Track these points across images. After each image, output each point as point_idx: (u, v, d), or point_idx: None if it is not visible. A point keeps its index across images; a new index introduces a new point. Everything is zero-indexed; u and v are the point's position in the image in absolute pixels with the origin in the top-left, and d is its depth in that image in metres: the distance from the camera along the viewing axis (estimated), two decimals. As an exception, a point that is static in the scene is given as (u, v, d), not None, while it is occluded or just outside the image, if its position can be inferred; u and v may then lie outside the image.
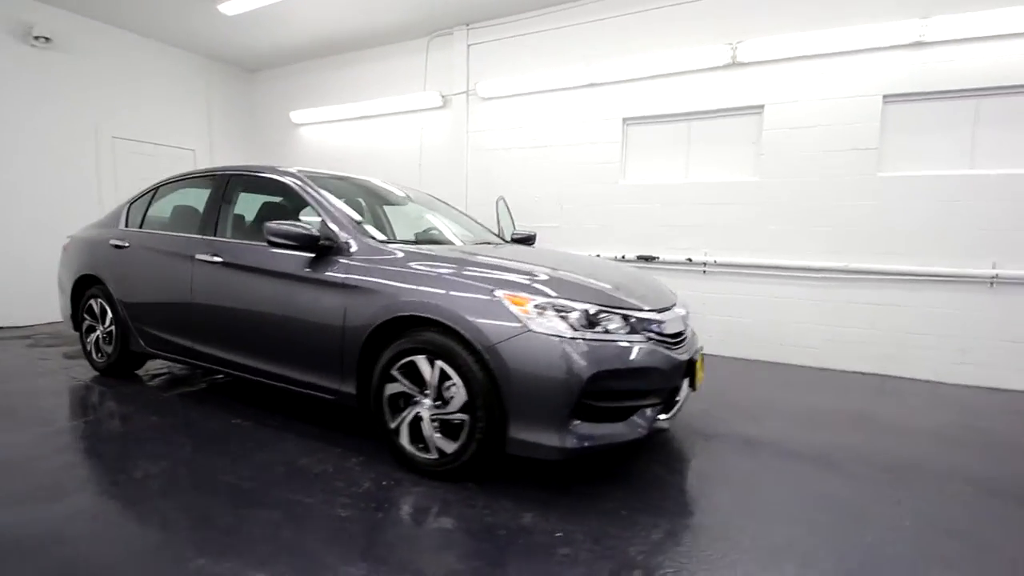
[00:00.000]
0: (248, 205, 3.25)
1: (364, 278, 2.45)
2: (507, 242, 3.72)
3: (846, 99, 4.24)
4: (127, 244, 3.50)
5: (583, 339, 2.07)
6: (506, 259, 2.54)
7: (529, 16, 5.48)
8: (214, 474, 2.30)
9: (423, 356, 2.26)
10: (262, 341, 2.79)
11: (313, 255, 2.64)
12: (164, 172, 6.69)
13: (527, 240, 3.94)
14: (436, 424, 2.28)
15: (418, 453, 2.33)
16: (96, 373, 3.78)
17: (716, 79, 4.68)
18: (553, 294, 2.16)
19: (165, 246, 3.27)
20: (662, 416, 2.29)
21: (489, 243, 3.41)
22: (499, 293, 2.16)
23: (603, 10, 5.08)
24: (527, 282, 2.21)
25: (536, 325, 2.08)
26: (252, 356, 2.86)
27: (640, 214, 5.12)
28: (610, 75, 5.08)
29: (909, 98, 4.09)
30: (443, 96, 6.08)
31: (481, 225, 3.89)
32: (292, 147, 7.47)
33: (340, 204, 2.83)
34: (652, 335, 2.28)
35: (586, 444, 2.07)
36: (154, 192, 3.70)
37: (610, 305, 2.22)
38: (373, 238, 2.66)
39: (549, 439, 2.05)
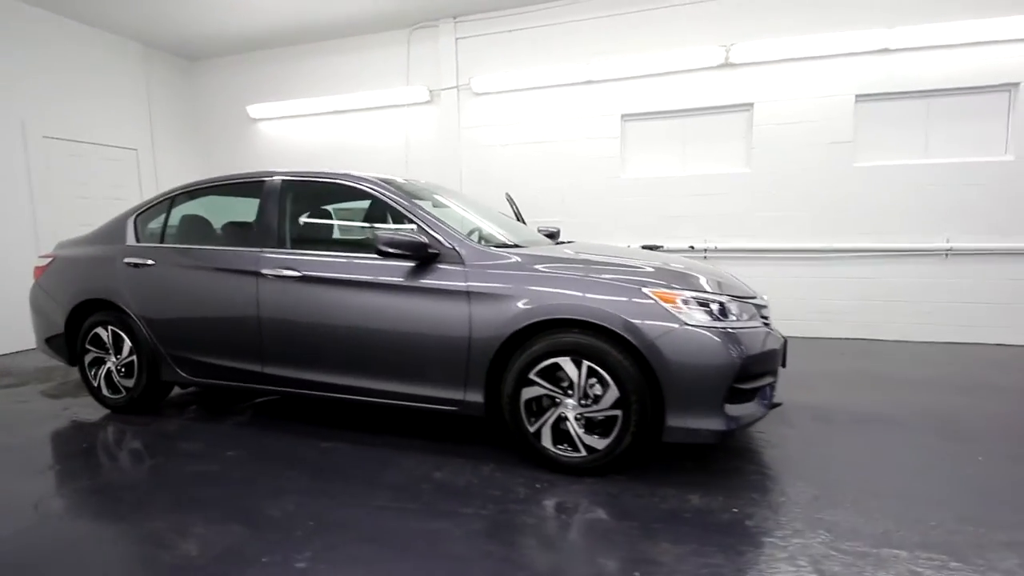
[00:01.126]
0: (315, 214, 3.01)
1: (492, 284, 2.42)
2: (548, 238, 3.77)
3: (825, 98, 4.79)
4: (151, 262, 3.09)
5: (729, 328, 2.24)
6: (618, 257, 2.63)
7: (520, 12, 5.50)
8: (362, 501, 2.18)
9: (567, 358, 2.30)
10: (362, 358, 2.65)
11: (414, 264, 2.56)
12: (104, 175, 5.91)
13: (553, 236, 4.02)
14: (582, 422, 2.34)
15: (562, 453, 2.37)
16: (107, 411, 3.32)
17: (710, 78, 5.04)
18: (694, 288, 2.30)
19: (214, 262, 2.95)
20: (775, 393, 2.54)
21: (554, 241, 3.45)
22: (647, 291, 2.26)
23: (600, 8, 5.24)
24: (668, 279, 2.33)
25: (687, 318, 2.21)
26: (348, 374, 2.69)
27: (641, 206, 5.40)
28: (608, 73, 5.27)
29: (877, 98, 4.71)
30: (431, 91, 5.92)
31: (513, 220, 3.89)
32: (250, 144, 6.86)
33: (436, 210, 2.76)
34: (764, 320, 2.51)
35: (733, 426, 2.25)
36: (170, 202, 3.30)
37: (735, 296, 2.40)
38: (479, 242, 2.63)
39: (707, 424, 2.20)
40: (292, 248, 2.87)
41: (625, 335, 2.20)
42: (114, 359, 3.23)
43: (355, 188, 2.86)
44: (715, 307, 2.27)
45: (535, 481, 2.34)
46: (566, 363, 2.31)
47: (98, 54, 5.84)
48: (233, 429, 3.02)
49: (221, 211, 3.44)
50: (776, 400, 2.52)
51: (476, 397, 2.49)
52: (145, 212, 3.33)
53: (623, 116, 5.36)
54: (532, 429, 2.40)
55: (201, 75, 6.94)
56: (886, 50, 4.58)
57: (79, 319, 3.32)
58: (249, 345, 2.86)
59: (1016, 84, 4.37)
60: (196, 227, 3.24)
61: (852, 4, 4.61)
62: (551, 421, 2.36)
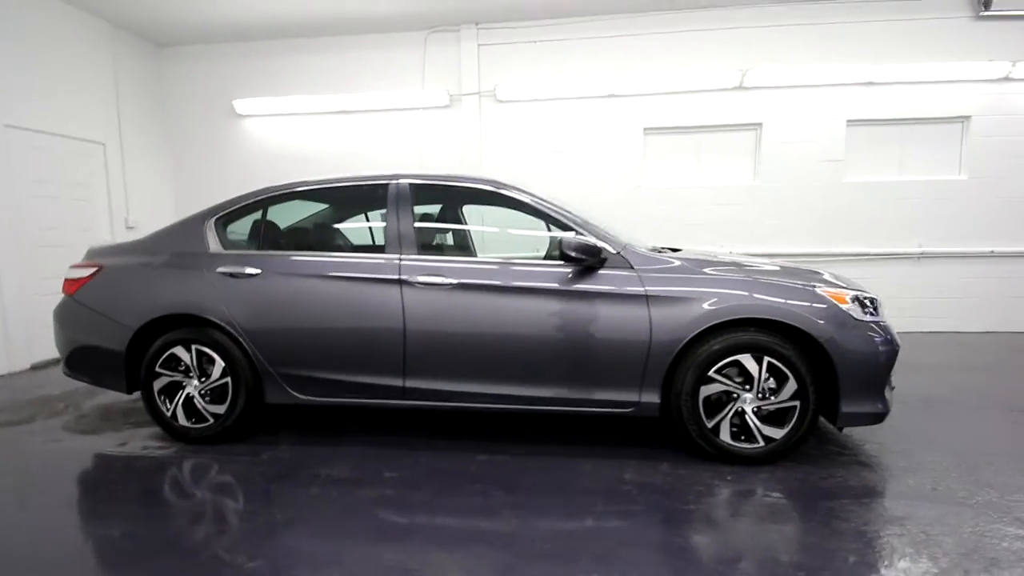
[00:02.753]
0: (448, 218, 2.89)
1: (671, 288, 2.51)
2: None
3: (822, 121, 5.45)
4: (256, 271, 2.77)
5: (881, 322, 2.53)
6: (751, 260, 2.85)
7: (546, 24, 5.62)
8: (582, 509, 2.16)
9: (748, 355, 2.46)
10: (528, 366, 2.59)
11: (579, 269, 2.59)
12: (68, 172, 5.06)
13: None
14: (758, 415, 2.50)
15: (739, 445, 2.51)
16: (176, 445, 2.89)
17: (726, 98, 5.52)
18: (852, 287, 2.57)
19: (343, 270, 2.72)
20: (890, 380, 2.89)
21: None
22: (821, 291, 2.48)
23: (625, 27, 5.52)
24: (826, 281, 2.58)
25: (856, 314, 2.46)
26: (509, 384, 2.62)
27: (662, 215, 5.73)
28: (632, 88, 5.56)
29: (863, 123, 5.46)
30: (451, 95, 5.82)
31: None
32: (234, 143, 6.25)
33: (589, 215, 2.79)
34: (882, 315, 2.86)
35: (888, 408, 2.53)
36: (262, 205, 2.97)
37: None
38: (640, 247, 2.71)
39: (872, 408, 2.47)
40: (432, 254, 2.75)
41: (810, 332, 2.40)
42: (197, 382, 2.83)
43: (497, 193, 2.81)
44: (868, 303, 2.55)
45: (723, 474, 2.45)
46: (747, 360, 2.46)
47: (63, 32, 5.01)
48: (366, 449, 2.78)
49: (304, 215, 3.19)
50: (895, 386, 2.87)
51: (652, 398, 2.55)
52: (226, 215, 2.97)
53: (645, 129, 5.68)
54: (710, 425, 2.51)
55: (178, 63, 6.20)
56: (871, 83, 5.33)
57: (145, 338, 2.87)
58: (390, 358, 2.67)
59: (968, 117, 5.31)
60: (300, 232, 2.96)
61: (846, 41, 5.31)
62: (730, 416, 2.50)
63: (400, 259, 2.70)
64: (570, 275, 2.59)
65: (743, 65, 5.37)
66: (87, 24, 5.26)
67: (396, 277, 2.66)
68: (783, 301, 2.45)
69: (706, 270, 2.59)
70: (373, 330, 2.67)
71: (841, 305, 2.46)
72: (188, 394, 2.84)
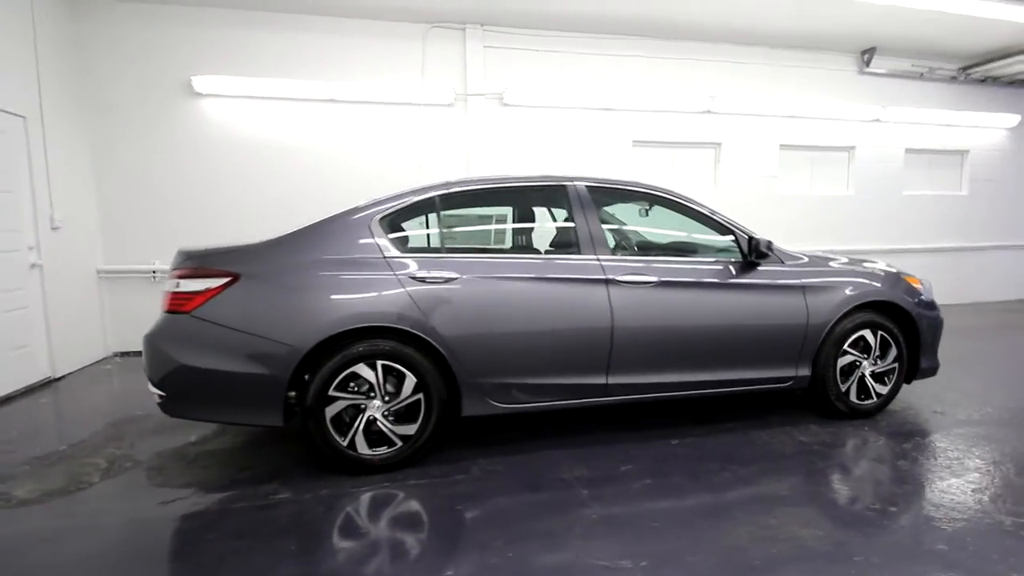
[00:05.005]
0: (633, 220, 3.03)
1: (820, 279, 3.08)
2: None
3: (763, 143, 6.70)
4: (455, 275, 2.58)
5: (934, 300, 3.42)
6: (828, 255, 3.59)
7: (550, 35, 5.85)
8: (812, 464, 2.58)
9: (867, 330, 3.13)
10: (719, 353, 2.92)
11: (741, 265, 3.02)
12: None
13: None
14: (873, 377, 3.20)
15: (862, 403, 3.18)
16: (354, 479, 2.53)
17: (696, 119, 6.41)
18: (914, 273, 3.42)
19: (551, 272, 2.70)
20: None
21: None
22: (905, 277, 3.27)
23: (621, 48, 6.04)
24: (896, 268, 3.39)
25: (924, 294, 3.31)
26: (700, 371, 2.91)
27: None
28: (624, 104, 6.12)
29: (790, 148, 6.85)
30: (456, 94, 5.69)
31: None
32: (189, 125, 5.20)
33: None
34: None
35: (939, 364, 3.43)
36: (434, 204, 2.77)
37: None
38: (777, 247, 3.22)
39: (934, 363, 3.35)
40: (634, 255, 2.91)
41: (907, 309, 3.16)
42: (380, 402, 2.52)
43: (671, 200, 3.09)
44: (926, 284, 3.43)
45: (858, 425, 3.10)
46: (867, 334, 3.14)
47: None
48: (566, 451, 2.78)
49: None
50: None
51: (805, 371, 3.08)
52: (392, 214, 2.68)
53: (633, 141, 6.30)
54: (844, 388, 3.13)
55: (106, 25, 4.90)
56: (795, 116, 6.73)
57: (314, 359, 2.45)
58: (597, 356, 2.74)
59: (853, 147, 7.05)
60: (478, 234, 2.81)
61: (779, 81, 6.62)
62: (857, 380, 3.15)
63: (599, 259, 2.79)
64: (738, 271, 2.99)
65: (712, 92, 6.33)
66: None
67: (603, 277, 2.74)
68: (891, 288, 3.18)
69: (831, 263, 3.22)
70: (581, 330, 2.71)
71: (916, 286, 3.29)
72: (370, 417, 2.51)
